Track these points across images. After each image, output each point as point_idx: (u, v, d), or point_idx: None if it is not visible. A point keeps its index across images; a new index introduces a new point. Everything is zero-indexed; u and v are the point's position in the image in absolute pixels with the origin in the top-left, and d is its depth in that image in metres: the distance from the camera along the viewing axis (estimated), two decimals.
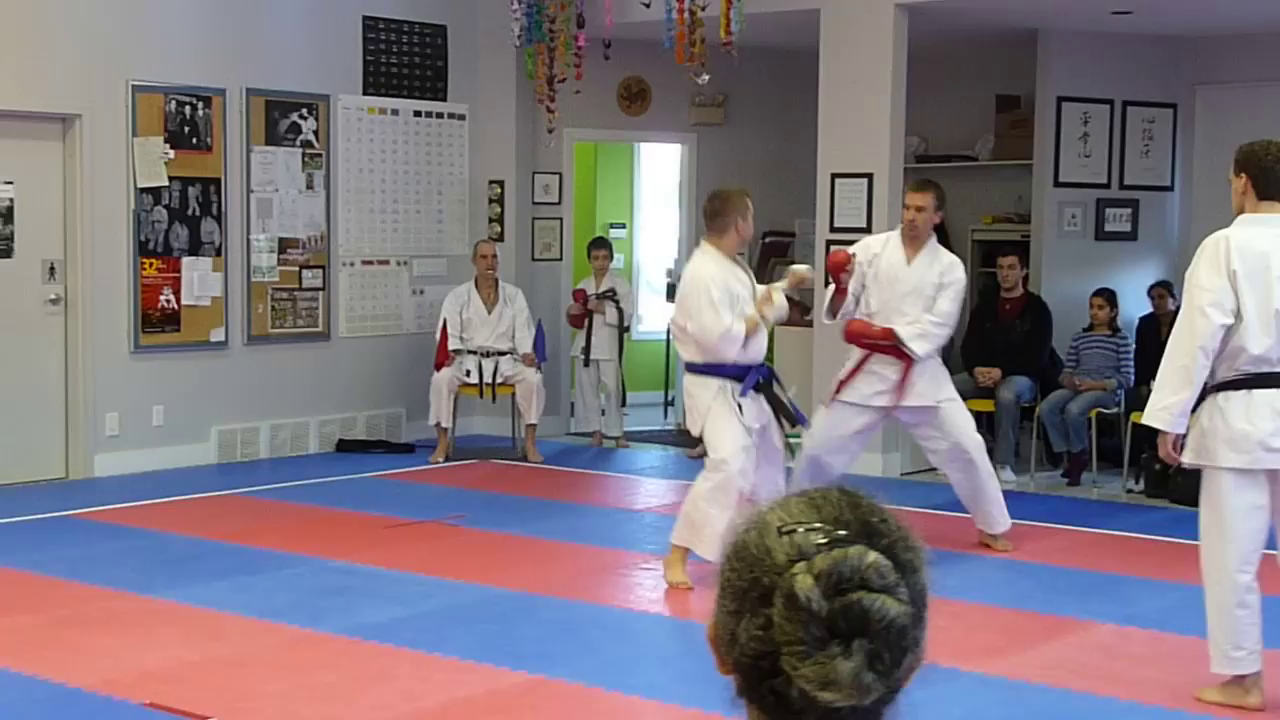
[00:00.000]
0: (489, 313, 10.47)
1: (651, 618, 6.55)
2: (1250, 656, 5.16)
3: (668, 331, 12.71)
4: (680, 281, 7.09)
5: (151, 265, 9.62)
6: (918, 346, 7.29)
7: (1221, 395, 5.10)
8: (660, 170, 13.57)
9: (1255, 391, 5.04)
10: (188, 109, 9.73)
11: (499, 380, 10.38)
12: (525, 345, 10.40)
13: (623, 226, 13.71)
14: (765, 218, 12.07)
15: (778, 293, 6.94)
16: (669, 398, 12.78)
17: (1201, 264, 5.09)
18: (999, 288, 10.20)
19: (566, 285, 11.50)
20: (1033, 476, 9.68)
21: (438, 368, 10.32)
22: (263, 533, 7.91)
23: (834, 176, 9.89)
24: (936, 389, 7.49)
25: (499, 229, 11.34)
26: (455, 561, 7.33)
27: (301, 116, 10.34)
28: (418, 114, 11.03)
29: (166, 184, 9.63)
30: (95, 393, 9.39)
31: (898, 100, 9.69)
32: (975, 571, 7.18)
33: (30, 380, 9.23)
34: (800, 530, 1.37)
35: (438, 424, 10.30)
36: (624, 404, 11.30)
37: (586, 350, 11.02)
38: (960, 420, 7.56)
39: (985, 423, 10.25)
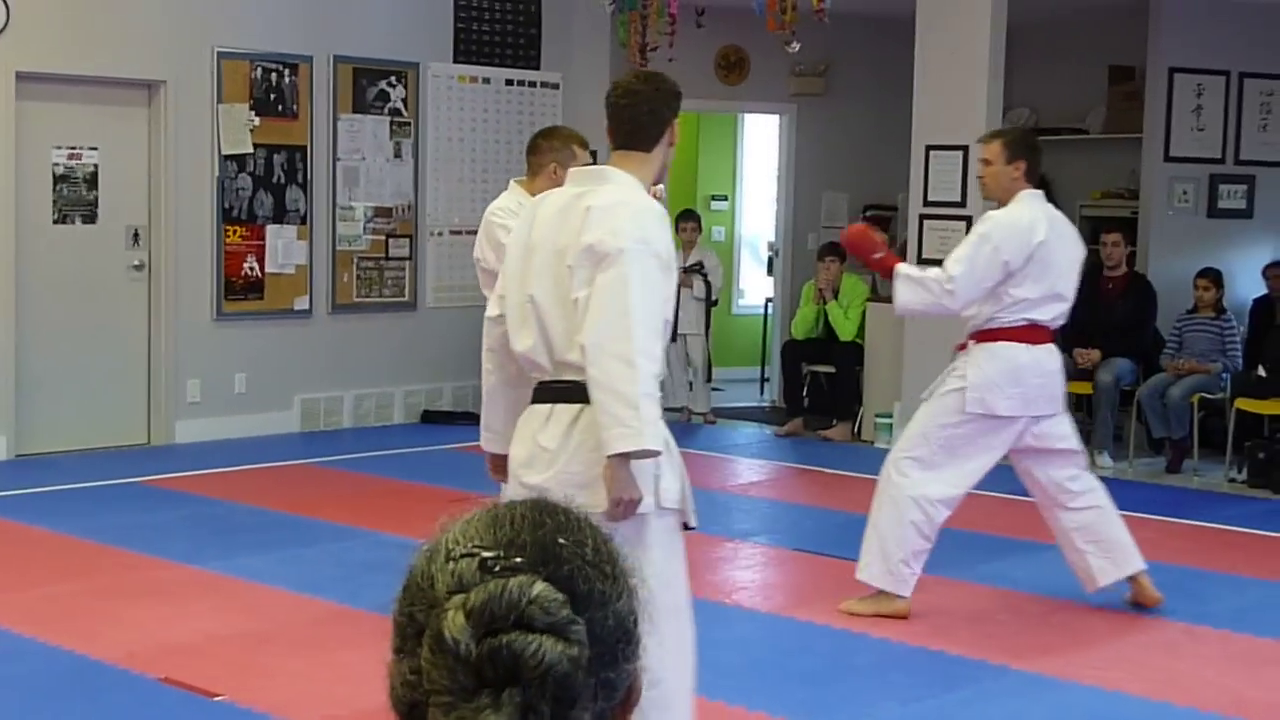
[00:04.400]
0: None
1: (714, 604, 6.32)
2: None
3: (766, 304, 12.54)
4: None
5: (235, 233, 9.60)
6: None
7: None
8: (764, 141, 13.28)
9: (535, 408, 3.90)
10: (274, 76, 9.69)
11: None
12: None
13: (725, 199, 13.46)
14: (867, 190, 11.78)
15: None
16: (765, 373, 12.53)
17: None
18: (1102, 265, 9.79)
19: None
20: (1131, 463, 9.29)
21: None
22: (327, 504, 7.84)
23: (928, 149, 9.56)
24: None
25: None
26: None
27: (390, 84, 10.25)
28: (509, 83, 10.88)
29: (251, 151, 9.60)
30: (178, 359, 9.41)
31: (995, 71, 9.32)
32: (1047, 563, 6.84)
33: (113, 346, 9.27)
34: (469, 556, 1.18)
35: None
36: (709, 379, 11.07)
37: (674, 325, 10.76)
38: None
39: (1084, 405, 9.88)
